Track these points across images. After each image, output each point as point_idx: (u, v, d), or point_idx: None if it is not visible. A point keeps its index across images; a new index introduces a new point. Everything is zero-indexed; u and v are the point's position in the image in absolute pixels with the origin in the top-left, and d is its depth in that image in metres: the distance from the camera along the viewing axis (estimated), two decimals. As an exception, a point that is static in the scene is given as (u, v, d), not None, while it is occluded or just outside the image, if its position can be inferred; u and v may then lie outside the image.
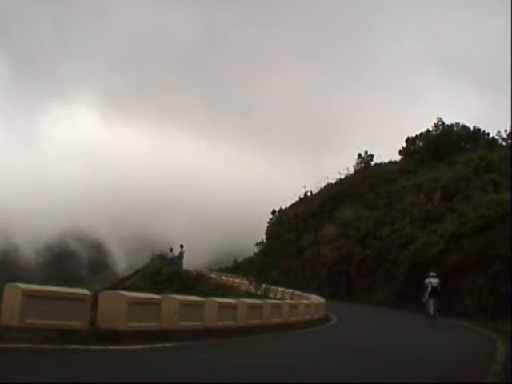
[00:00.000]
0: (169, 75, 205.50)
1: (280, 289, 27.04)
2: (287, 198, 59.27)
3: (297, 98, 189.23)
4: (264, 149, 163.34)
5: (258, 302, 16.72)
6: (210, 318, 12.71)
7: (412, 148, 50.50)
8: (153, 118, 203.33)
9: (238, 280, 31.55)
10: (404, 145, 51.34)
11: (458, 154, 42.43)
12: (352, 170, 56.21)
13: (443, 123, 50.09)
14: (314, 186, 57.46)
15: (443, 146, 46.31)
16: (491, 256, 25.06)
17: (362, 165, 56.69)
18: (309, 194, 56.90)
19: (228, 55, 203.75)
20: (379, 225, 39.21)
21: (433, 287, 21.30)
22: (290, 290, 27.18)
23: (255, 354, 10.85)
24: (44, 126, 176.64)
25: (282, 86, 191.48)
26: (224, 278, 33.97)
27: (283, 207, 57.79)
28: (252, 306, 15.34)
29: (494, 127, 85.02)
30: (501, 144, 45.53)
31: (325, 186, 56.39)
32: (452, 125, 49.93)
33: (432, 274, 21.99)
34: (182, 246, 35.98)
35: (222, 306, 13.61)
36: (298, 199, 56.97)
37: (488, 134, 48.56)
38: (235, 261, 58.00)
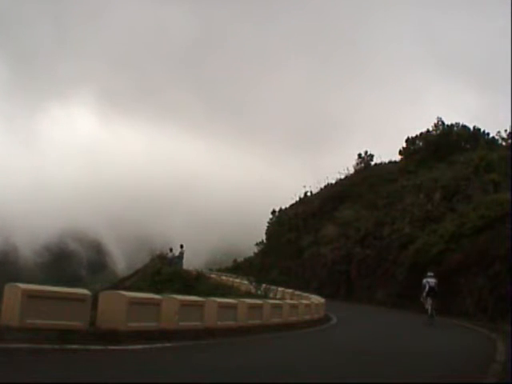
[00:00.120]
0: (167, 74, 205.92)
1: (280, 289, 27.04)
2: (287, 197, 59.37)
3: (296, 96, 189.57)
4: (264, 148, 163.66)
5: (258, 302, 16.71)
6: (209, 317, 12.71)
7: (412, 148, 50.50)
8: (152, 118, 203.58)
9: (237, 280, 31.53)
10: (404, 145, 51.39)
11: (458, 153, 42.44)
12: (352, 170, 56.29)
13: (443, 123, 50.12)
14: (314, 186, 57.56)
15: (443, 146, 46.32)
16: (491, 256, 25.06)
17: (362, 165, 56.69)
18: (309, 194, 56.93)
19: (226, 53, 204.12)
20: (379, 225, 39.20)
21: (430, 287, 21.46)
22: (290, 290, 27.17)
23: (255, 354, 10.84)
24: (43, 126, 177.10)
25: (281, 85, 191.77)
26: (224, 278, 33.97)
27: (283, 207, 57.81)
28: (252, 306, 15.33)
29: (493, 127, 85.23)
30: (501, 144, 45.54)
31: (325, 186, 56.40)
32: (452, 125, 49.95)
33: (429, 273, 22.20)
34: (181, 246, 35.98)
35: (222, 305, 13.60)
36: (298, 199, 57.01)
37: (488, 133, 48.62)
38: (235, 261, 57.99)
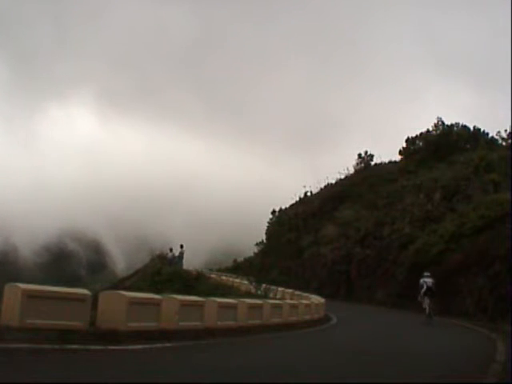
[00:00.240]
0: (167, 74, 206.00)
1: (280, 289, 27.03)
2: (287, 197, 59.42)
3: (296, 96, 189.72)
4: (264, 148, 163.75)
5: (258, 301, 16.70)
6: (209, 318, 12.70)
7: (412, 148, 50.50)
8: (151, 118, 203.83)
9: (237, 280, 31.54)
10: (404, 145, 51.39)
11: (458, 153, 42.44)
12: (352, 170, 56.34)
13: (443, 123, 50.13)
14: (314, 186, 57.60)
15: (443, 146, 46.32)
16: (491, 256, 25.05)
17: (362, 165, 56.71)
18: (309, 194, 56.94)
19: (226, 53, 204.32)
20: (379, 225, 39.19)
21: (428, 287, 21.62)
22: (290, 290, 27.17)
23: (255, 354, 10.84)
24: (42, 126, 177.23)
25: (281, 85, 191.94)
26: (224, 278, 33.97)
27: (283, 207, 57.82)
28: (252, 306, 15.33)
29: (493, 127, 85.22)
30: (501, 144, 45.54)
31: (325, 186, 56.41)
32: (452, 125, 49.95)
33: (426, 273, 22.40)
34: (182, 246, 35.98)
35: (222, 305, 13.59)
36: (298, 199, 57.02)
37: (488, 133, 48.62)
38: (235, 261, 58.00)
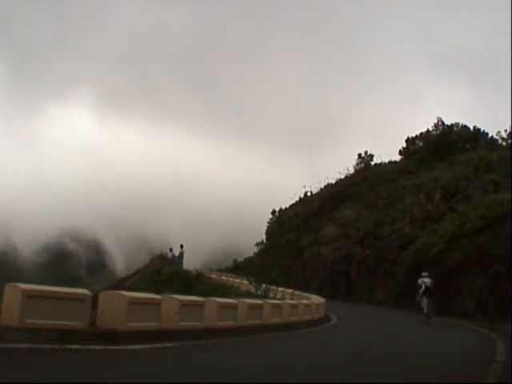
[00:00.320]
0: (167, 74, 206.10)
1: (280, 289, 27.02)
2: (287, 197, 59.43)
3: (296, 96, 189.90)
4: (264, 148, 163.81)
5: (258, 301, 16.70)
6: (209, 317, 12.69)
7: (412, 148, 50.52)
8: (151, 118, 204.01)
9: (237, 280, 31.53)
10: (404, 145, 51.42)
11: (458, 153, 42.45)
12: (352, 170, 56.36)
13: (443, 123, 50.14)
14: (314, 186, 57.60)
15: (443, 146, 46.33)
16: (491, 256, 25.04)
17: (362, 165, 56.72)
18: (309, 194, 56.93)
19: (226, 53, 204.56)
20: (379, 225, 39.19)
21: (426, 287, 21.74)
22: (290, 290, 27.16)
23: (255, 354, 10.84)
24: (42, 126, 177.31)
25: (281, 85, 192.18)
26: (224, 278, 33.97)
27: (283, 207, 57.81)
28: (252, 306, 15.32)
29: (493, 127, 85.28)
30: (501, 144, 45.56)
31: (325, 186, 56.41)
32: (452, 125, 49.97)
33: (424, 273, 22.55)
34: (182, 246, 35.97)
35: (222, 305, 13.59)
36: (297, 199, 57.02)
37: (488, 133, 48.63)
38: (235, 261, 58.00)
